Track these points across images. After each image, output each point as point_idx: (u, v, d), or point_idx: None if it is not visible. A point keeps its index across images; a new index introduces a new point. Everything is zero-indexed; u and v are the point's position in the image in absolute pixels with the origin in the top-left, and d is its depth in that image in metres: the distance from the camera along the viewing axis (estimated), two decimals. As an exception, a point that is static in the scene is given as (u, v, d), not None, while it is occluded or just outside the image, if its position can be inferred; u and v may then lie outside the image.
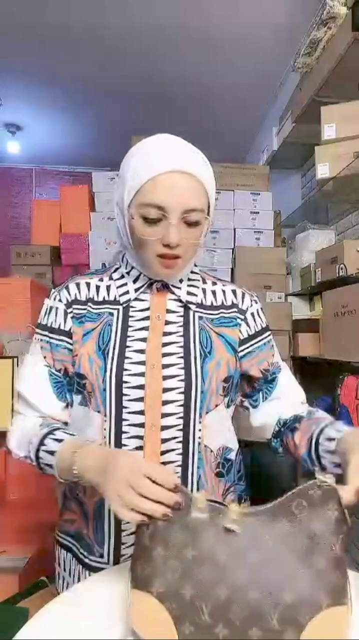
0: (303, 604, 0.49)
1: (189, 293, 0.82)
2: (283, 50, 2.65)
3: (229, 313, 0.84)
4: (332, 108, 1.92)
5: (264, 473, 1.43)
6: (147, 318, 0.79)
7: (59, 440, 0.71)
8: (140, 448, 0.74)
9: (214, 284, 0.87)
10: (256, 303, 0.88)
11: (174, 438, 0.75)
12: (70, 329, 0.80)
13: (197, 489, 0.77)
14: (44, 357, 0.81)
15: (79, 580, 0.79)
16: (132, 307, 0.80)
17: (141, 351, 0.76)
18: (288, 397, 0.86)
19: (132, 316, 0.79)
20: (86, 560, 0.79)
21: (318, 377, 2.03)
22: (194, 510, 0.54)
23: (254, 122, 3.69)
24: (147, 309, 0.80)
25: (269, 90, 3.25)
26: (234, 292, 0.87)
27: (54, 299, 0.82)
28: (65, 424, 0.82)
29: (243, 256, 2.44)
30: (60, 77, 3.28)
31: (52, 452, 0.71)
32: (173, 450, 0.75)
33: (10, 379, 1.90)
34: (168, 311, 0.80)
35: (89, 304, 0.81)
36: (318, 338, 2.06)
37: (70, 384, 0.81)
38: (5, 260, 2.97)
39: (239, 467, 0.86)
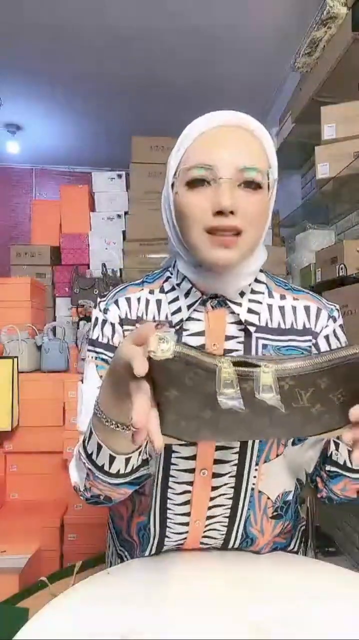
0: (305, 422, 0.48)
1: (250, 311, 0.66)
2: (283, 50, 2.65)
3: (302, 342, 0.68)
4: (332, 108, 1.91)
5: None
6: (202, 347, 0.67)
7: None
8: (188, 492, 0.68)
9: (282, 297, 0.70)
10: (334, 321, 0.70)
11: (226, 484, 0.68)
12: None
13: (244, 530, 0.70)
14: (101, 377, 0.67)
15: None
16: (185, 329, 0.67)
17: None
18: None
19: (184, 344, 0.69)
20: (120, 553, 0.78)
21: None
22: (219, 386, 0.43)
23: (254, 122, 3.69)
24: (202, 332, 0.66)
25: (269, 90, 3.25)
26: (307, 310, 0.69)
27: (106, 313, 0.70)
28: None
29: (243, 256, 2.44)
30: (61, 77, 3.28)
31: (91, 433, 0.57)
32: (223, 495, 0.69)
33: (10, 379, 1.89)
34: (227, 337, 0.66)
35: (138, 324, 0.69)
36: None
37: None
38: (5, 260, 2.97)
39: (296, 502, 0.77)
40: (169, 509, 0.70)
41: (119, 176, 2.87)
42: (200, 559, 0.72)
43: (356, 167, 1.79)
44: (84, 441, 0.59)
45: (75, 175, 5.03)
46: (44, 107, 3.78)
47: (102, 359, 0.69)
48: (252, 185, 0.59)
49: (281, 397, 0.43)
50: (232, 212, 0.57)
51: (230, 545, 0.73)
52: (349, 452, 0.57)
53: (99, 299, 0.73)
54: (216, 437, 0.54)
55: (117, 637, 0.52)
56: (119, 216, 2.84)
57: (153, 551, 0.74)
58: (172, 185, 0.64)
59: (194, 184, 0.59)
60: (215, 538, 0.72)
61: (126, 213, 2.80)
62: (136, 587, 0.64)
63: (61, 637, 0.52)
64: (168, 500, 0.69)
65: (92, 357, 0.70)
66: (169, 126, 3.16)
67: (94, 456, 0.57)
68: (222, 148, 0.59)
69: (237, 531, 0.71)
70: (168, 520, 0.70)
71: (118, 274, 2.78)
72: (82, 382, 0.71)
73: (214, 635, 0.53)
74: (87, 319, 2.33)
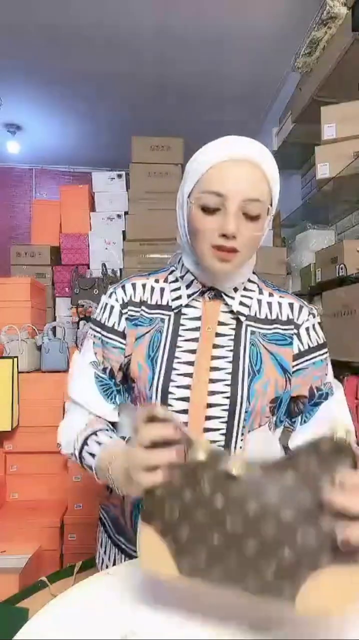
0: (301, 561, 0.48)
1: (241, 304, 0.79)
2: (283, 50, 2.65)
3: (285, 330, 0.80)
4: (332, 108, 1.91)
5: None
6: (197, 329, 0.77)
7: (100, 444, 0.72)
8: None
9: (270, 295, 0.83)
10: (314, 317, 0.82)
11: None
12: (124, 330, 0.80)
13: None
14: (95, 353, 0.81)
15: (114, 561, 0.82)
16: (183, 314, 0.79)
17: (189, 363, 0.75)
18: (325, 425, 0.75)
19: (183, 325, 0.78)
20: (117, 541, 0.82)
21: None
22: (193, 452, 0.53)
23: (254, 123, 3.69)
24: (199, 318, 0.78)
25: (269, 91, 3.25)
26: (291, 305, 0.82)
27: (110, 297, 0.82)
28: (114, 424, 0.82)
29: (243, 256, 2.44)
30: (60, 77, 3.28)
31: (93, 455, 0.71)
32: None
33: (10, 379, 1.90)
34: (219, 323, 0.78)
35: (143, 307, 0.80)
36: (318, 338, 2.05)
37: (117, 384, 0.81)
38: (5, 260, 2.97)
39: None
40: None
41: (119, 176, 2.87)
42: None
43: (356, 167, 1.80)
44: (82, 445, 0.74)
45: (76, 175, 5.03)
46: (44, 107, 3.79)
47: (99, 338, 0.81)
48: (254, 214, 0.71)
49: (249, 483, 0.51)
50: (234, 236, 0.70)
51: None
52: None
53: (109, 286, 0.85)
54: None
55: (117, 637, 0.52)
56: (119, 216, 2.84)
57: None
58: (189, 195, 0.75)
59: (208, 210, 0.71)
60: None
61: (126, 213, 2.80)
62: (135, 587, 0.64)
63: (61, 637, 0.52)
64: None
65: (91, 334, 0.83)
66: (169, 126, 3.16)
67: (84, 460, 0.73)
68: (232, 181, 0.70)
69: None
70: None
71: (118, 274, 2.78)
72: (79, 352, 0.83)
73: (214, 635, 0.53)
74: (87, 319, 2.33)
